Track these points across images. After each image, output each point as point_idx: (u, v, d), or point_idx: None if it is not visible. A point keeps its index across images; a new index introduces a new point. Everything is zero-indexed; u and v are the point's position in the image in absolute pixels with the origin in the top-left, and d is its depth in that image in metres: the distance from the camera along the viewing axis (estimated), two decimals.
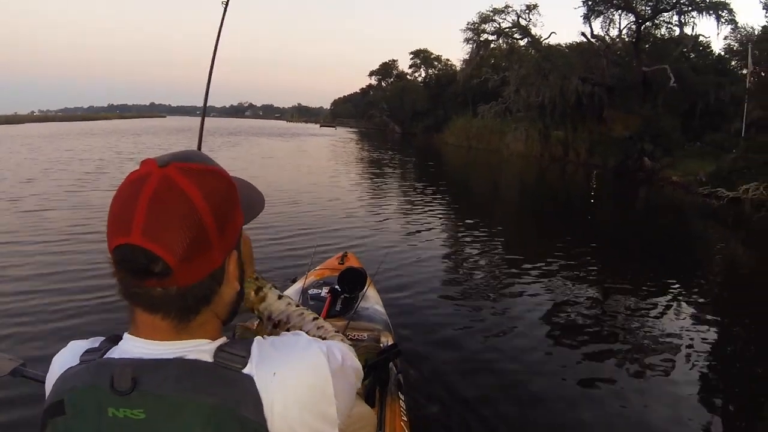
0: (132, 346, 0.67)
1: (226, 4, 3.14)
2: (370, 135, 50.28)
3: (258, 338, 0.71)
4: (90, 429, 0.63)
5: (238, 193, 0.71)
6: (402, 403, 2.06)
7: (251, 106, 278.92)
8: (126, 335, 0.69)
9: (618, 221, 11.80)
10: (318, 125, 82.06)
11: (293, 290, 2.91)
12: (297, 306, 0.99)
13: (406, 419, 1.99)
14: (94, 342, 0.72)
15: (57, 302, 4.52)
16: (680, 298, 5.71)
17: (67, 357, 0.71)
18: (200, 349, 0.67)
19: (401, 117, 51.91)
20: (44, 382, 0.74)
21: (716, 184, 13.88)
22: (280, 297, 0.99)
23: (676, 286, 6.13)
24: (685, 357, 4.05)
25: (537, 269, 6.34)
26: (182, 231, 0.60)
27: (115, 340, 0.71)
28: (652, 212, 13.50)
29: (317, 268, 3.40)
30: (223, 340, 0.70)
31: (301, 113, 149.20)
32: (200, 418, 0.61)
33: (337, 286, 2.71)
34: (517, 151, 26.11)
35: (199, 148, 2.44)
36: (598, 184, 18.03)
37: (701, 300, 5.76)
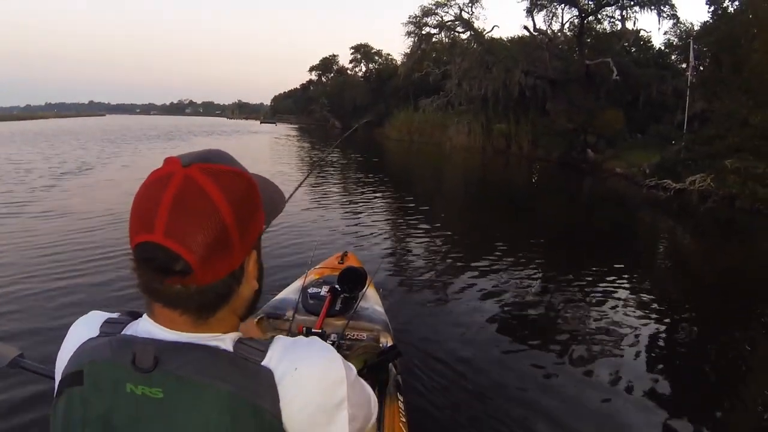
0: (153, 327, 0.67)
1: None
2: (310, 131, 49.59)
3: (279, 336, 0.71)
4: (106, 403, 0.63)
5: (259, 194, 0.70)
6: (401, 404, 2.02)
7: (192, 103, 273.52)
8: (145, 316, 0.69)
9: (564, 213, 11.61)
10: (258, 122, 79.85)
11: (293, 289, 2.88)
12: None
13: (405, 420, 1.96)
14: (114, 314, 0.73)
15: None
16: (627, 288, 5.60)
17: (87, 327, 0.72)
18: (220, 338, 0.67)
19: (342, 112, 51.24)
20: (42, 375, 0.77)
21: (661, 176, 13.66)
22: None
23: (624, 276, 6.03)
24: (632, 345, 4.11)
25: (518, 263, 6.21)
26: (204, 232, 0.61)
27: (134, 315, 0.71)
28: (596, 204, 13.45)
29: (317, 266, 3.33)
30: (240, 333, 0.71)
31: (242, 110, 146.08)
32: (218, 403, 0.61)
33: (337, 286, 2.65)
34: (459, 145, 25.76)
35: None
36: (544, 177, 17.72)
37: (649, 290, 5.76)
